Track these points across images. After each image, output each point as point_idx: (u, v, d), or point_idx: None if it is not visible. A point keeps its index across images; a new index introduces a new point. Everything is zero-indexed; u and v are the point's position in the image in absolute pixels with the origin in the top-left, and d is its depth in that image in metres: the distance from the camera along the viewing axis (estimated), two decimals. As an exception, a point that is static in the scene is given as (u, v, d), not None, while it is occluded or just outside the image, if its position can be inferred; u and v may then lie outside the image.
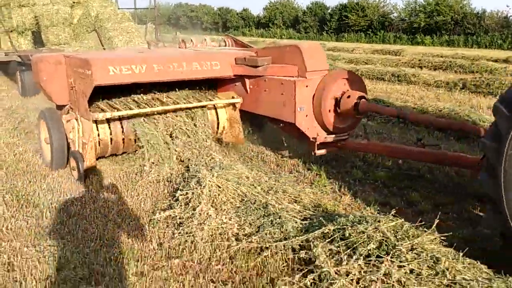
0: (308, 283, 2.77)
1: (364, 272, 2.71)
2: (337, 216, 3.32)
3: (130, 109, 4.90)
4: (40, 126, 5.29)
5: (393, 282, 2.57)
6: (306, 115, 4.76)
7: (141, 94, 5.24)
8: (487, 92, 9.82)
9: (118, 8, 13.69)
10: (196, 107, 5.35)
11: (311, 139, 4.82)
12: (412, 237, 2.89)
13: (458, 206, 4.08)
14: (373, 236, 2.90)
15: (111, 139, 4.94)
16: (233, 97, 5.56)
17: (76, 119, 4.86)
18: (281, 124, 5.19)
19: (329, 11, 39.45)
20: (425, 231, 2.95)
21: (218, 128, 5.76)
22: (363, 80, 5.07)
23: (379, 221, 3.02)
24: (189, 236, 3.43)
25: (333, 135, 4.88)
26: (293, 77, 4.81)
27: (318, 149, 4.83)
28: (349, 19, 36.22)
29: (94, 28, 12.63)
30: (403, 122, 6.83)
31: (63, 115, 5.04)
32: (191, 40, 6.54)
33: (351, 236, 2.96)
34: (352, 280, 2.68)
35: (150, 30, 15.02)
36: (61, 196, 4.32)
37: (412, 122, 6.16)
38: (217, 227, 3.50)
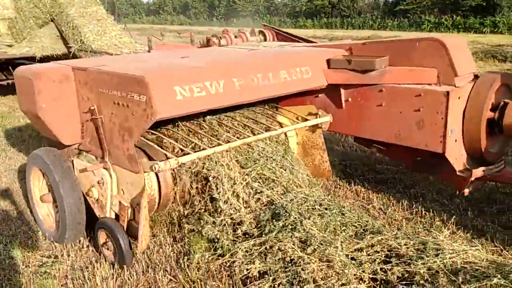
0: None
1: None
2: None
3: (195, 148, 3.21)
4: (31, 176, 3.56)
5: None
6: (456, 140, 3.30)
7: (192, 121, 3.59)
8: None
9: None
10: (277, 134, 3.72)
11: (457, 173, 3.33)
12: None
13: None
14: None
15: (159, 192, 3.23)
16: (310, 113, 3.84)
17: (106, 169, 3.05)
18: (377, 147, 3.86)
19: (217, -4, 40.52)
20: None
21: None
22: None
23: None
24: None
25: (488, 165, 3.42)
26: (430, 85, 3.31)
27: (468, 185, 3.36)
28: (236, 5, 37.53)
29: (50, 18, 9.67)
30: None
31: (74, 160, 3.30)
32: (225, 35, 4.90)
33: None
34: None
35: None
36: None
37: None
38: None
